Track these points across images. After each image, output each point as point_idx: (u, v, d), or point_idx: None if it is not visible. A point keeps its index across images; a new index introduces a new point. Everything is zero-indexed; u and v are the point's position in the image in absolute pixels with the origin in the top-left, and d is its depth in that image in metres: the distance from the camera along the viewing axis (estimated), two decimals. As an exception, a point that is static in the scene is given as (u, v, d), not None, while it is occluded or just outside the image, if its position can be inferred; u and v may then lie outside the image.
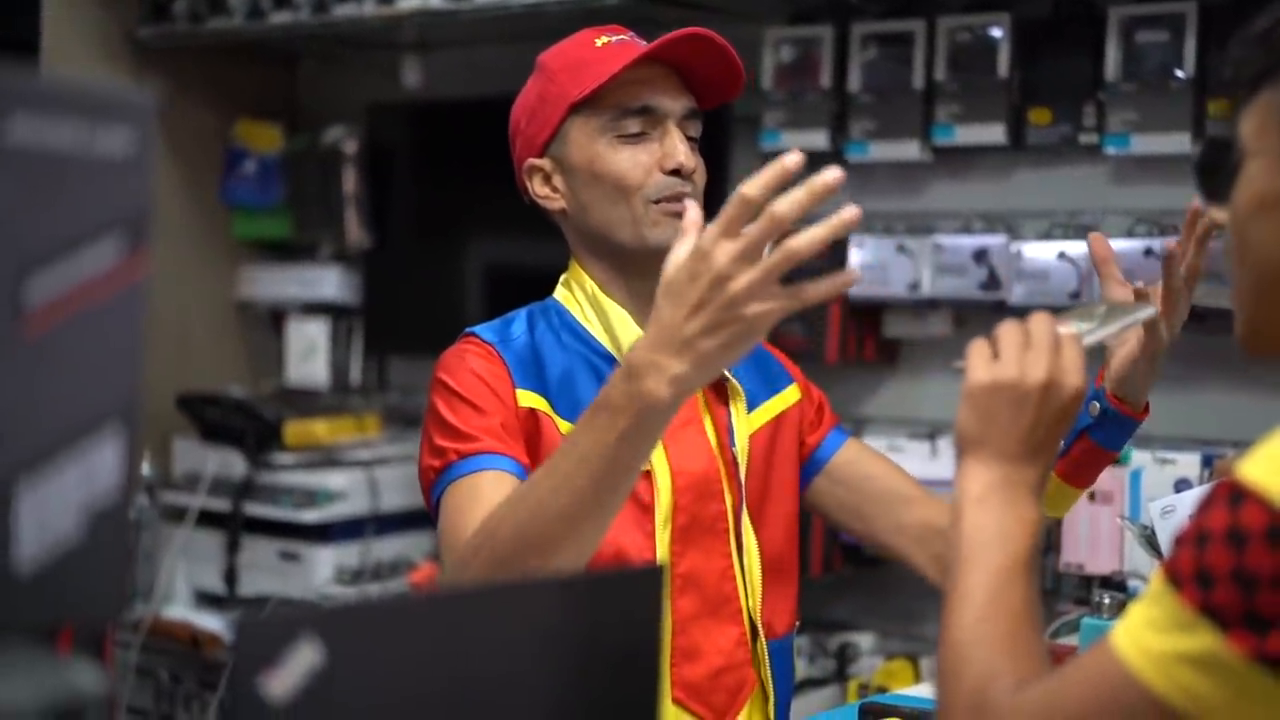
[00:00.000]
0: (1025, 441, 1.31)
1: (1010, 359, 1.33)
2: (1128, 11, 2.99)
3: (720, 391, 1.96)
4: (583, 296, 1.95)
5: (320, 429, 3.78)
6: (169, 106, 3.97)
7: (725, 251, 1.41)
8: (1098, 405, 1.92)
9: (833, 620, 3.39)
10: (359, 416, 3.88)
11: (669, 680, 1.87)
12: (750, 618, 1.93)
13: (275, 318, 4.22)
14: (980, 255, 3.09)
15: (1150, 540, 2.23)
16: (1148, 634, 1.11)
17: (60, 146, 0.90)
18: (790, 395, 2.06)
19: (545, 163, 1.94)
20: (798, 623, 2.03)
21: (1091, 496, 2.92)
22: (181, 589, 3.77)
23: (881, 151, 3.24)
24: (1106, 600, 2.16)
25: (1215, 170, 1.33)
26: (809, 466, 2.06)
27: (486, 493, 1.75)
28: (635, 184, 1.88)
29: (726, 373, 1.95)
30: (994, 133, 3.12)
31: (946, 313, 3.23)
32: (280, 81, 4.29)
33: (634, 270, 1.92)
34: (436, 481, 1.82)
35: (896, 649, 3.30)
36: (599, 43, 1.92)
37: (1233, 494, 1.08)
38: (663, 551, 1.87)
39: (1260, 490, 1.07)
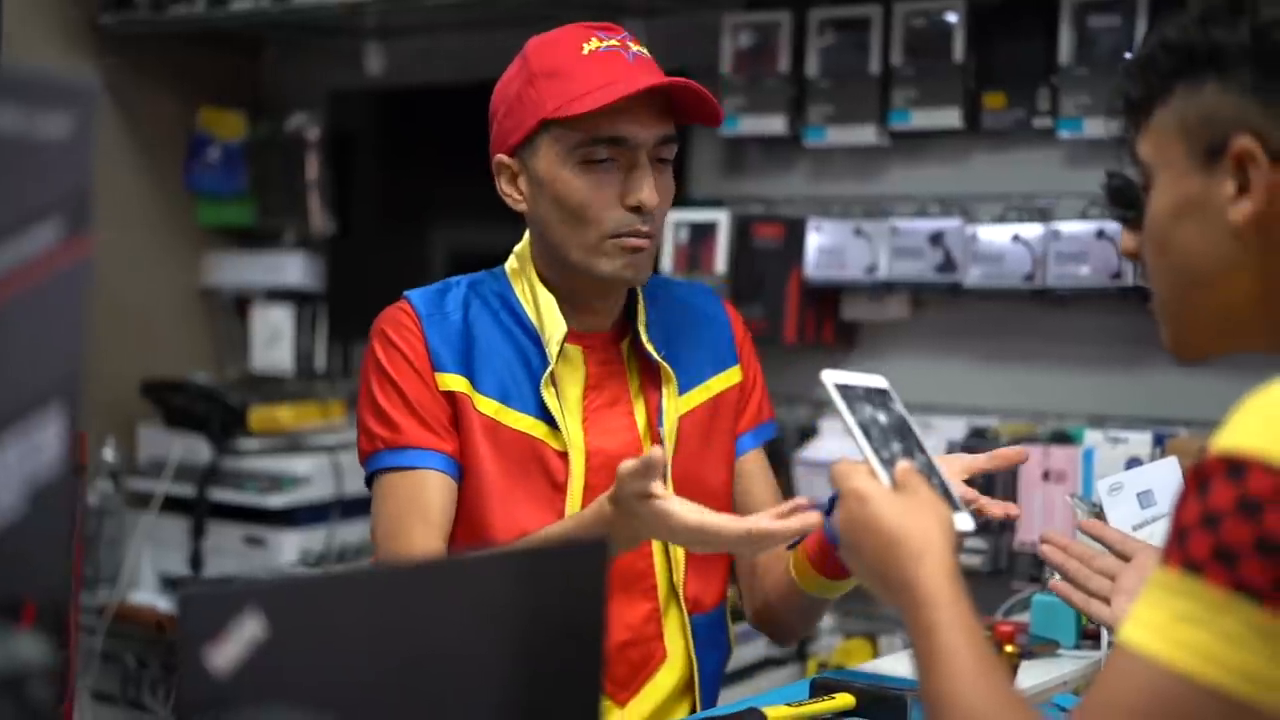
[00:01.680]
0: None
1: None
2: (1080, -5, 3.03)
3: (654, 373, 1.99)
4: (526, 279, 1.99)
5: (284, 414, 3.80)
6: (131, 93, 3.99)
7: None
8: None
9: (793, 600, 3.42)
10: (323, 402, 3.90)
11: None
12: (675, 593, 1.97)
13: (240, 304, 4.23)
14: (936, 238, 3.12)
15: (1099, 517, 2.27)
16: (1183, 629, 1.09)
17: (1, 130, 0.92)
18: (732, 376, 2.08)
19: (513, 163, 1.94)
20: (728, 595, 2.07)
21: (1045, 475, 2.96)
22: (147, 574, 3.78)
23: (839, 136, 3.27)
24: (1056, 578, 2.19)
25: (1125, 196, 1.37)
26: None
27: (420, 500, 1.87)
28: (594, 217, 1.88)
29: (658, 356, 1.98)
30: (949, 117, 3.15)
31: (904, 295, 3.27)
32: (244, 69, 4.30)
33: (576, 282, 1.95)
34: (367, 465, 1.95)
35: (856, 628, 3.33)
36: (586, 49, 1.89)
37: (1230, 468, 1.09)
38: None
39: (1260, 456, 1.08)
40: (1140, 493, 2.23)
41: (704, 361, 2.04)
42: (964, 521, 1.37)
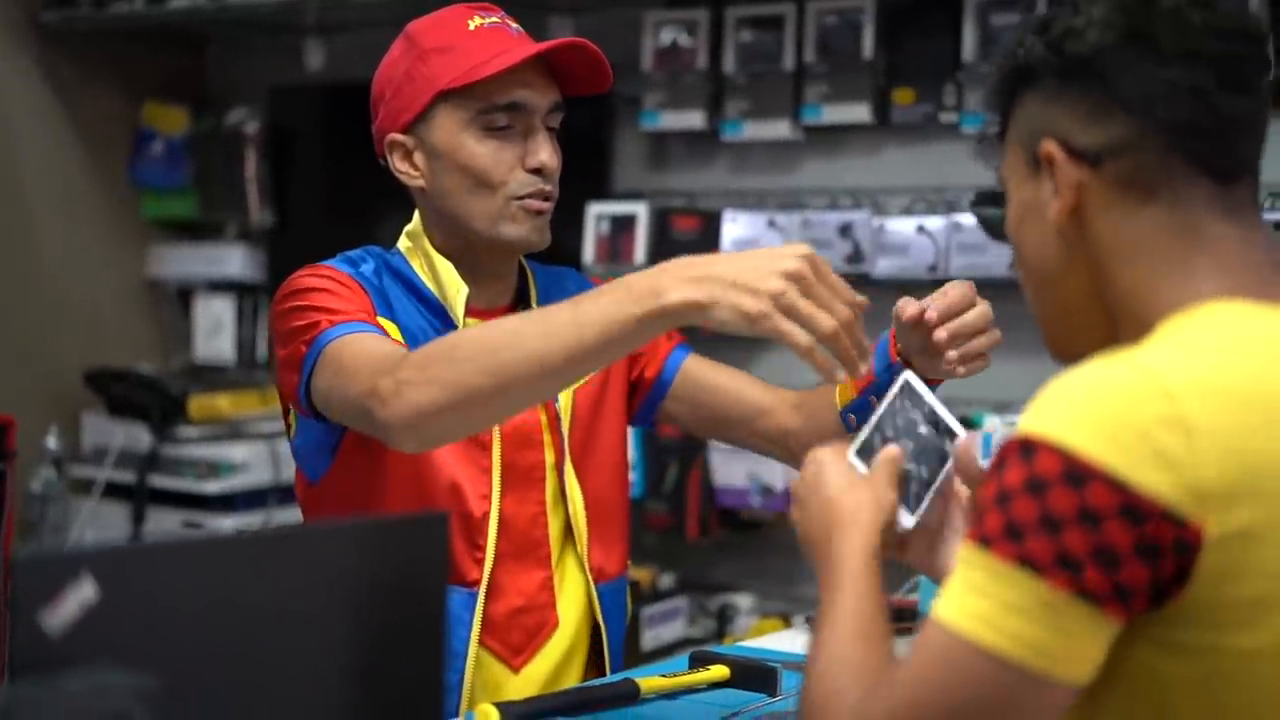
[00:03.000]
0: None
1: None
2: (984, -5, 3.13)
3: None
4: (419, 250, 2.01)
5: (223, 403, 3.88)
6: (75, 89, 4.07)
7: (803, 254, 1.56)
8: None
9: (713, 582, 3.52)
10: (262, 390, 3.99)
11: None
12: (579, 562, 2.03)
13: (183, 295, 4.32)
14: (845, 229, 3.21)
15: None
16: (970, 599, 1.16)
17: None
18: None
19: (407, 140, 1.97)
20: (629, 564, 2.12)
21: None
22: (90, 559, 3.86)
23: (755, 131, 3.37)
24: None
25: (989, 215, 1.47)
26: (653, 393, 2.13)
27: (377, 339, 1.79)
28: (499, 180, 1.93)
29: None
30: (860, 112, 3.25)
31: (818, 285, 3.35)
32: (187, 64, 4.38)
33: (480, 251, 1.99)
34: (308, 353, 1.82)
35: (775, 609, 3.43)
36: (471, 25, 1.95)
37: (1023, 449, 1.17)
38: (496, 488, 1.97)
39: (1049, 439, 1.15)
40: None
41: None
42: (904, 519, 1.45)
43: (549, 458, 2.02)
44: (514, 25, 1.98)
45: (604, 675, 2.06)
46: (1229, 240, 1.28)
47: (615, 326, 1.59)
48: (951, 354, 1.84)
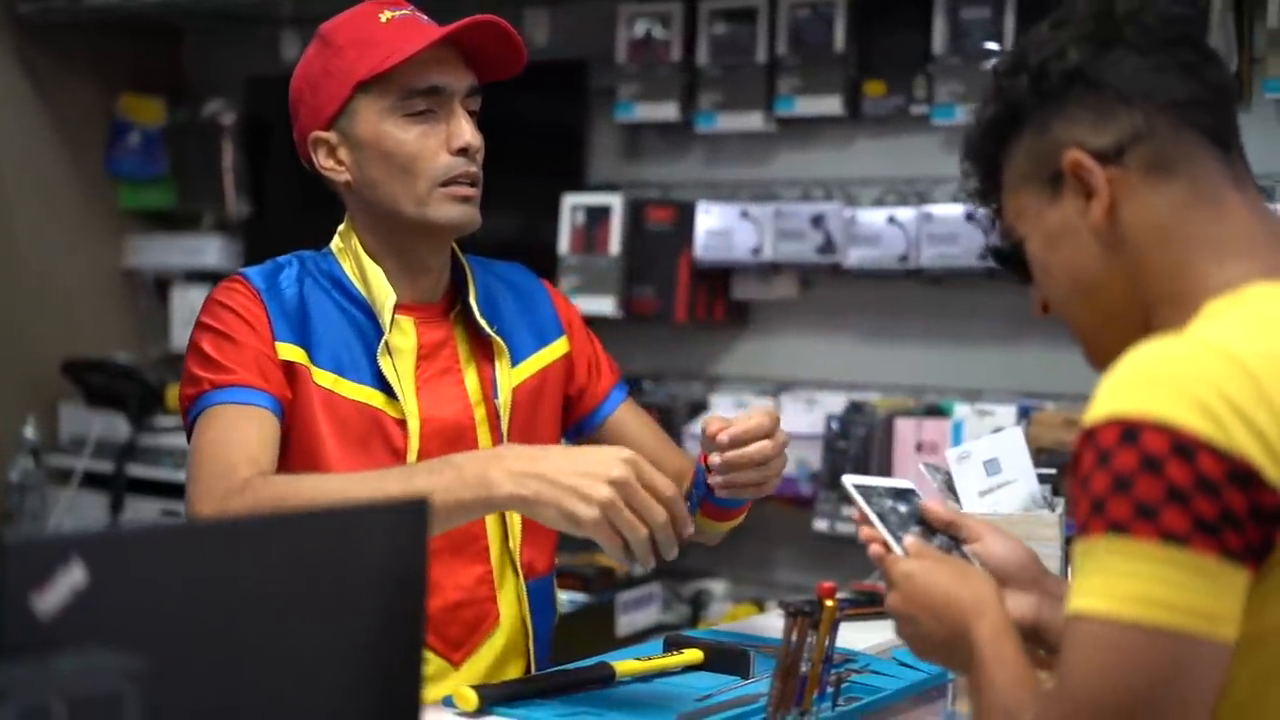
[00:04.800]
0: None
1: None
2: (953, -12, 3.17)
3: (485, 346, 2.07)
4: (351, 254, 2.03)
5: (201, 392, 3.90)
6: (52, 81, 4.08)
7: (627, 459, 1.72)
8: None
9: (688, 568, 3.55)
10: (240, 380, 4.00)
11: None
12: (510, 559, 2.06)
13: (160, 285, 4.33)
14: (817, 220, 3.25)
15: (949, 485, 2.40)
16: (1119, 583, 1.19)
17: None
18: (558, 349, 2.16)
19: (331, 136, 2.00)
20: (556, 563, 2.17)
21: (919, 447, 3.10)
22: (68, 548, 3.88)
23: (728, 122, 3.40)
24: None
25: (1013, 262, 1.52)
26: (589, 420, 2.19)
27: (243, 426, 1.86)
28: (424, 165, 1.96)
29: (490, 330, 2.05)
30: (832, 104, 3.29)
31: (792, 275, 3.40)
32: (163, 55, 4.40)
33: (408, 240, 2.01)
34: (191, 408, 1.92)
35: (749, 595, 3.47)
36: (383, 18, 1.98)
37: (1125, 433, 1.21)
38: None
39: (1149, 417, 1.20)
40: (986, 461, 2.35)
41: (529, 336, 2.13)
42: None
43: None
44: (424, 17, 2.01)
45: (532, 670, 2.09)
46: (1244, 209, 1.37)
47: (443, 509, 1.71)
48: (717, 478, 1.94)
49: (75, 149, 4.20)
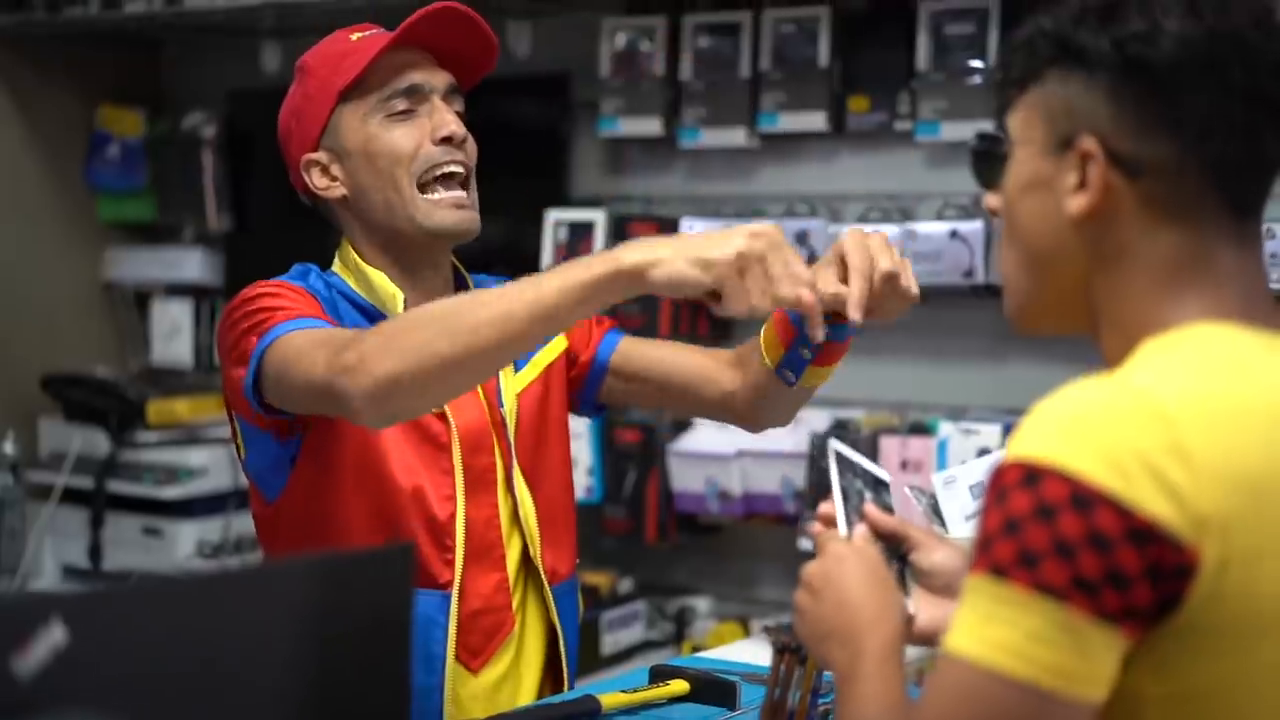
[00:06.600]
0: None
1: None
2: (937, 5, 3.16)
3: None
4: (350, 268, 2.04)
5: (182, 407, 3.88)
6: (31, 92, 4.06)
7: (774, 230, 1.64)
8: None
9: (672, 585, 3.55)
10: (221, 394, 3.98)
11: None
12: (530, 564, 2.05)
13: (140, 299, 4.31)
14: (801, 237, 3.24)
15: (935, 509, 2.39)
16: (989, 629, 1.16)
17: None
18: (557, 344, 2.13)
19: (321, 155, 2.01)
20: (578, 562, 2.14)
21: (904, 465, 3.09)
22: (48, 564, 3.88)
23: (712, 138, 3.39)
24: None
25: (988, 159, 1.44)
26: (592, 376, 2.15)
27: (339, 329, 1.82)
28: (408, 156, 1.97)
29: None
30: (815, 120, 3.28)
31: (775, 291, 3.38)
32: (143, 67, 4.37)
33: (407, 249, 2.01)
34: (258, 346, 1.83)
35: (732, 612, 3.47)
36: (354, 37, 2.01)
37: (1026, 476, 1.17)
38: (460, 489, 1.99)
39: (1053, 465, 1.16)
40: (972, 485, 2.35)
41: None
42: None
43: (499, 460, 2.05)
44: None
45: (561, 676, 2.09)
46: (1233, 267, 1.29)
47: (574, 285, 1.64)
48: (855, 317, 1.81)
49: (54, 161, 4.18)
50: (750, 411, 2.11)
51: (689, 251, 1.62)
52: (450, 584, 1.98)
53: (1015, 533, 1.16)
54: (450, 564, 1.98)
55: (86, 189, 4.27)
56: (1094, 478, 1.15)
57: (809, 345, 1.94)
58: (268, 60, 4.11)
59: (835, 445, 1.57)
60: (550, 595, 2.07)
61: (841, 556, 1.46)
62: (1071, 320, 1.35)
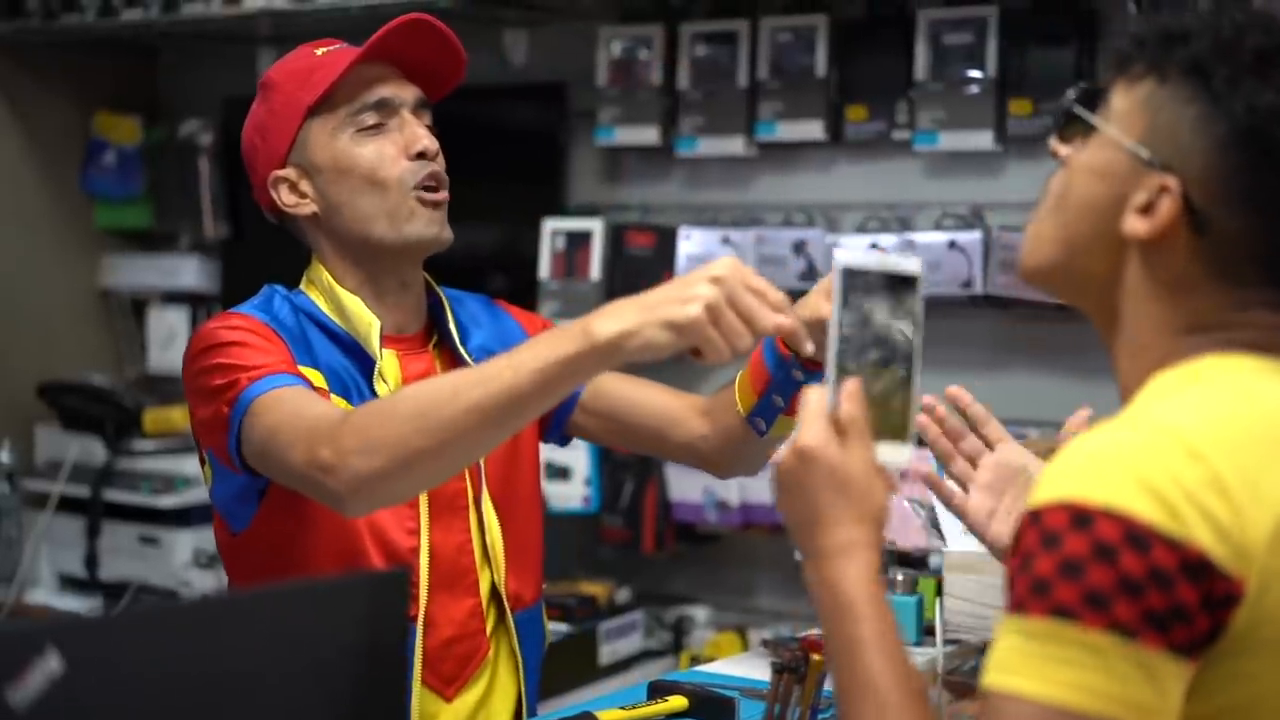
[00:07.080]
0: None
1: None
2: (935, 14, 3.15)
3: None
4: (322, 290, 2.01)
5: (178, 415, 3.86)
6: (28, 99, 4.05)
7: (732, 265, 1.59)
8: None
9: (670, 595, 3.54)
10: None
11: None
12: (497, 590, 2.04)
13: (137, 306, 4.31)
14: (799, 246, 3.24)
15: (933, 521, 2.39)
16: (1059, 670, 1.16)
17: None
18: None
19: (290, 171, 1.99)
20: (544, 588, 2.14)
21: (902, 475, 3.07)
22: (45, 573, 3.87)
23: (709, 147, 3.39)
24: (899, 577, 2.30)
25: (1075, 118, 1.39)
26: (562, 408, 2.13)
27: (309, 396, 1.80)
28: (388, 174, 1.96)
29: (470, 360, 2.01)
30: (813, 129, 3.27)
31: (773, 301, 3.38)
32: (139, 74, 4.36)
33: (383, 265, 1.99)
34: (232, 412, 1.81)
35: (730, 621, 3.46)
36: (319, 52, 2.00)
37: (1076, 518, 1.18)
38: (424, 520, 1.98)
39: (1102, 505, 1.17)
40: (971, 496, 2.34)
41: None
42: (898, 454, 1.39)
43: (469, 486, 2.04)
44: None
45: (522, 701, 2.08)
46: (1262, 319, 1.30)
47: (552, 367, 1.61)
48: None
49: (51, 168, 4.17)
50: (718, 458, 2.13)
51: (657, 315, 1.58)
52: (415, 617, 1.97)
53: (1077, 575, 1.17)
54: (415, 597, 1.96)
55: (83, 196, 4.26)
56: (1145, 515, 1.16)
57: (782, 393, 1.95)
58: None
59: (842, 260, 1.38)
60: (512, 622, 2.06)
61: (807, 457, 1.36)
62: (1080, 300, 1.36)
